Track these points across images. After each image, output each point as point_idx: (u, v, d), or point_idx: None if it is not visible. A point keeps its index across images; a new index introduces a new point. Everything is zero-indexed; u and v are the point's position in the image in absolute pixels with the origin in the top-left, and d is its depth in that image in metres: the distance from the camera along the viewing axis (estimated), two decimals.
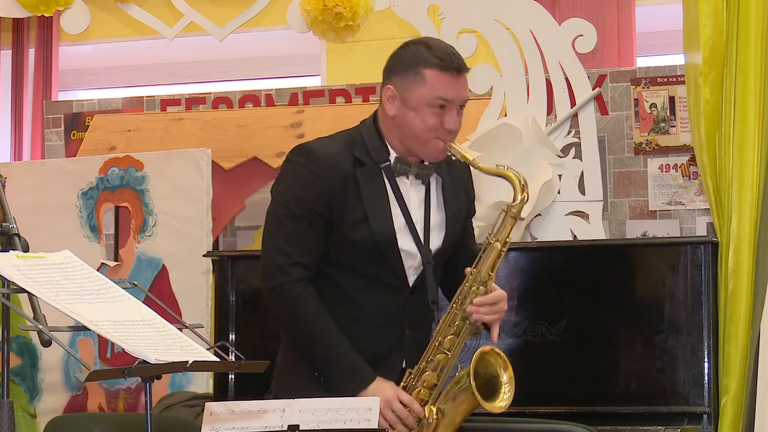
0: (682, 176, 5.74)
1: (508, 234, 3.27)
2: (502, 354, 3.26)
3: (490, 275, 3.25)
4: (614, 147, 5.82)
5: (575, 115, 4.89)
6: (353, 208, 3.25)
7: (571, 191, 4.84)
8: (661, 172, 5.76)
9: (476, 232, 3.69)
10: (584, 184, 4.86)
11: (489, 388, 3.23)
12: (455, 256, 3.40)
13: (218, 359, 2.51)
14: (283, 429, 2.83)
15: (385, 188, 3.29)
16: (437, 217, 3.36)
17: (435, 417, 3.22)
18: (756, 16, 4.26)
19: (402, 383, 3.26)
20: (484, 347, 3.24)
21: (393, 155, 3.30)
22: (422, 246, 3.30)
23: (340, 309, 3.27)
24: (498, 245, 3.26)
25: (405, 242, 3.29)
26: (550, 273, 4.29)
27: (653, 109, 5.78)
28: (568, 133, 4.90)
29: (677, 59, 5.67)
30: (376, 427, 2.90)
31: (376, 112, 3.38)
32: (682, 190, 5.73)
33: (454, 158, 3.36)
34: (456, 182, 3.42)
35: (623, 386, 4.13)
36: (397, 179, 3.31)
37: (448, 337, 3.25)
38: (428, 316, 3.36)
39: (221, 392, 4.51)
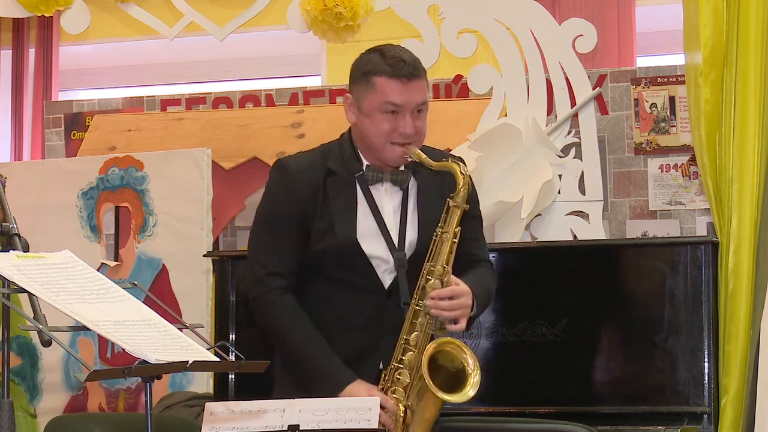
0: (682, 176, 5.74)
1: (457, 224, 3.32)
2: (458, 342, 3.28)
3: (445, 268, 3.29)
4: (614, 147, 5.82)
5: (575, 115, 4.88)
6: (321, 219, 3.31)
7: (571, 191, 4.84)
8: (662, 172, 5.76)
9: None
10: (584, 184, 4.86)
11: (454, 379, 3.24)
12: (458, 262, 3.39)
13: (218, 359, 2.51)
14: (283, 429, 2.83)
15: (355, 196, 3.34)
16: (415, 222, 3.38)
17: (402, 415, 3.23)
18: (756, 16, 4.26)
19: (379, 386, 3.28)
20: (438, 339, 3.27)
21: (365, 164, 3.36)
22: (395, 250, 3.33)
23: (316, 312, 3.32)
24: (448, 237, 3.30)
25: (375, 247, 3.33)
26: (550, 273, 4.28)
27: (653, 109, 5.78)
28: (568, 133, 4.90)
29: (677, 59, 5.67)
30: (376, 427, 2.90)
31: None
32: (682, 190, 5.73)
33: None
34: (435, 188, 3.42)
35: (623, 386, 4.12)
36: (372, 187, 3.36)
37: (413, 333, 3.28)
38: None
39: (221, 392, 4.51)
